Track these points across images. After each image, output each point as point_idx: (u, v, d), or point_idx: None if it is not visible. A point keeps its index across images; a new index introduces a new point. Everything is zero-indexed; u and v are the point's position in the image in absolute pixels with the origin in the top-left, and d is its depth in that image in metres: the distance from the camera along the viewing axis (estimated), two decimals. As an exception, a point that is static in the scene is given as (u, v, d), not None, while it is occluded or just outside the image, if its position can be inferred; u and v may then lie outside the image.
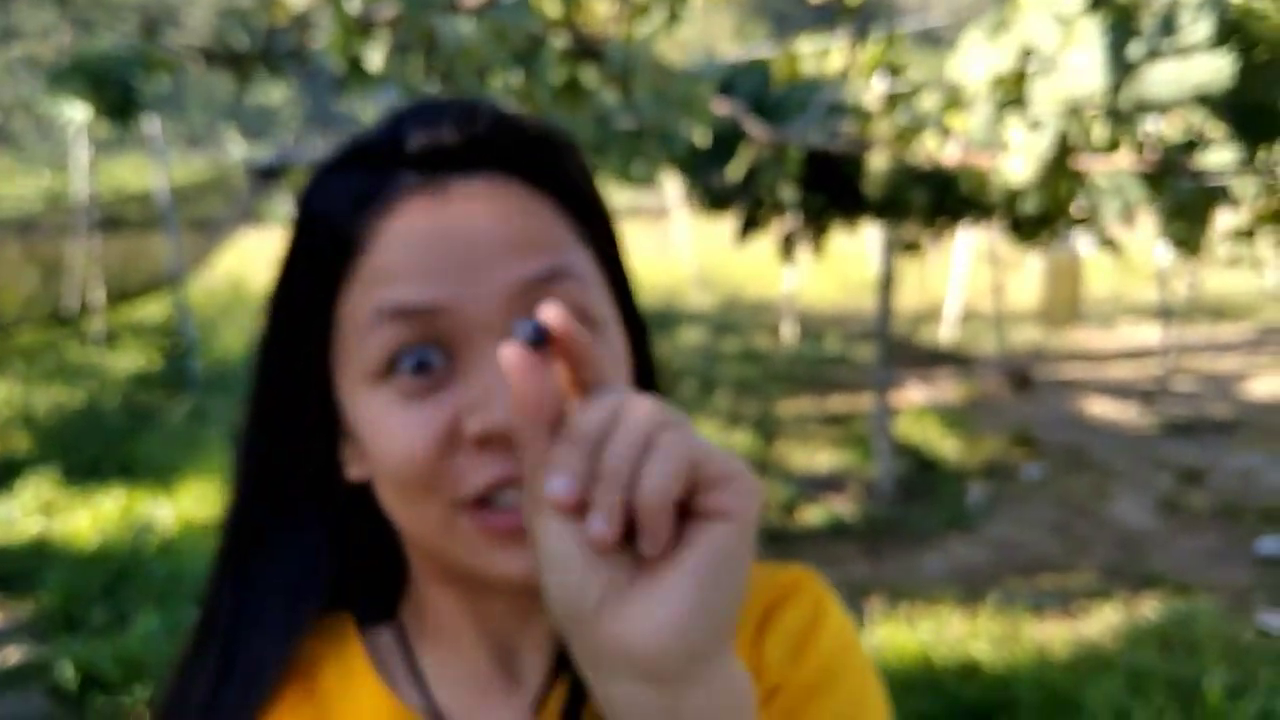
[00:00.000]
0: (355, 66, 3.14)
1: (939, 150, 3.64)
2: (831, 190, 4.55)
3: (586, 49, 3.18)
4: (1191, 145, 3.04)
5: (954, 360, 9.46)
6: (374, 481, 0.66)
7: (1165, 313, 8.67)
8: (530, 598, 0.57)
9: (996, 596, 4.27)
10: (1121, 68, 2.85)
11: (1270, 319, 11.23)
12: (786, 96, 4.26)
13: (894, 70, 4.04)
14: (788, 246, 5.31)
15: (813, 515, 5.36)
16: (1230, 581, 4.56)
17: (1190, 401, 7.81)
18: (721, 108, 3.84)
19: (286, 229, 0.67)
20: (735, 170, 4.20)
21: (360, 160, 0.65)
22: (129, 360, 9.04)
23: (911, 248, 5.50)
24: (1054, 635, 3.96)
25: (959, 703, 3.41)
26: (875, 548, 5.01)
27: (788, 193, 4.48)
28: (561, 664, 0.70)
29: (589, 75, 3.21)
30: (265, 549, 0.71)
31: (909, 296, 11.12)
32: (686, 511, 0.47)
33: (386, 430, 0.61)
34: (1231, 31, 2.77)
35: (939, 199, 4.34)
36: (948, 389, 8.27)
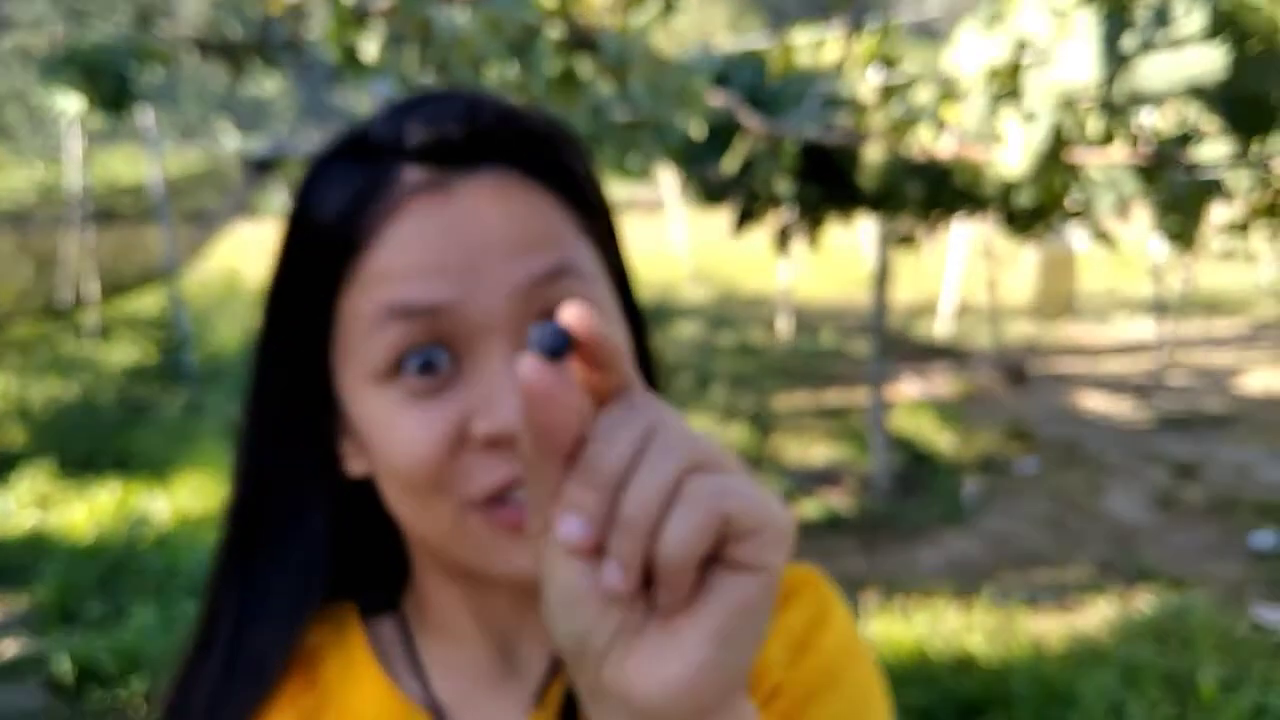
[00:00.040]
0: (350, 57, 3.14)
1: (934, 143, 3.64)
2: (827, 183, 4.55)
3: (582, 40, 3.17)
4: (1185, 138, 3.04)
5: (949, 354, 9.47)
6: (377, 478, 0.65)
7: (1159, 307, 8.68)
8: (532, 593, 0.55)
9: (991, 590, 4.27)
10: (1115, 60, 2.85)
11: (1264, 313, 11.24)
12: (782, 89, 4.25)
13: (889, 62, 4.03)
14: (783, 240, 5.31)
15: (808, 509, 5.36)
16: (1224, 575, 4.57)
17: (1185, 396, 7.83)
18: (717, 100, 3.83)
19: (283, 223, 0.66)
20: (731, 163, 4.20)
21: (359, 154, 0.64)
22: (124, 353, 9.02)
23: (906, 241, 5.50)
24: (1049, 629, 3.97)
25: (954, 696, 3.42)
26: (870, 541, 5.01)
27: (783, 185, 4.48)
28: (562, 658, 0.70)
29: (584, 66, 3.20)
30: (267, 542, 0.70)
31: (904, 291, 11.12)
32: (710, 556, 0.42)
33: (393, 431, 0.61)
34: (1225, 24, 2.77)
35: (934, 192, 4.34)
36: (943, 383, 8.28)
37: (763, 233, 5.40)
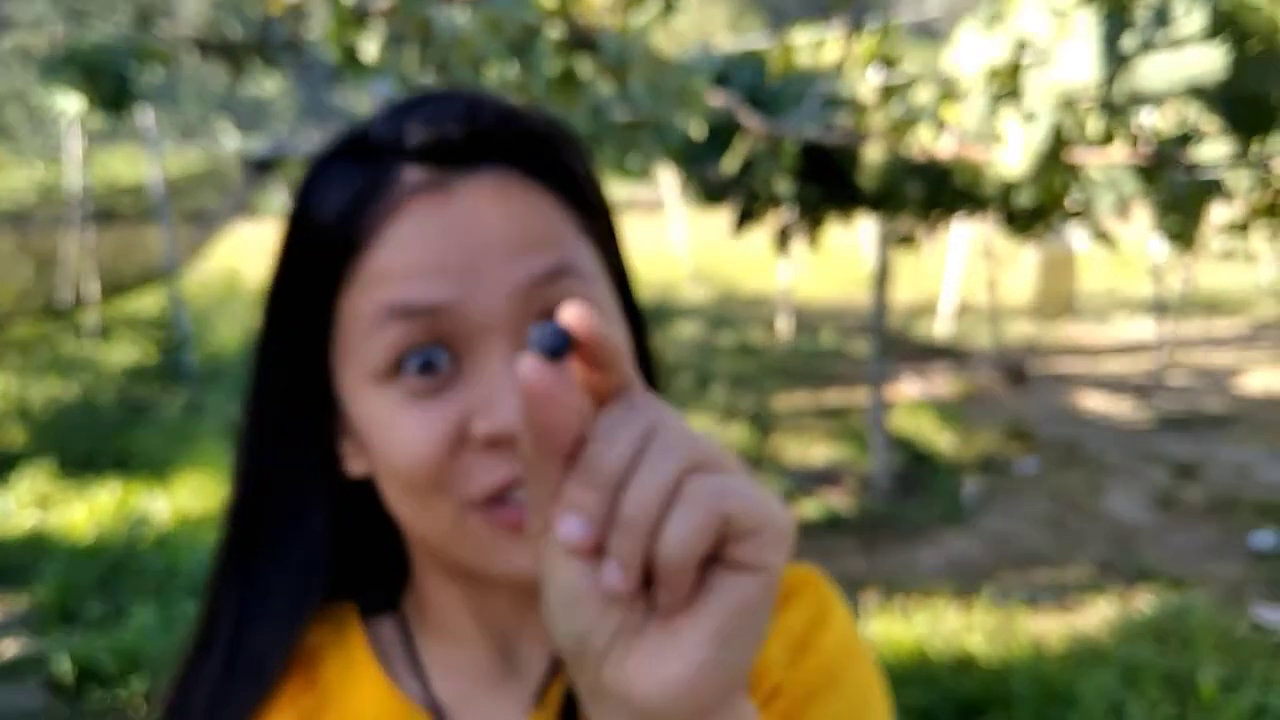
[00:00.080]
0: (350, 57, 3.14)
1: (934, 143, 3.64)
2: (827, 183, 4.55)
3: (582, 40, 3.17)
4: (1185, 138, 3.04)
5: (949, 354, 9.47)
6: (378, 478, 0.65)
7: (1160, 307, 8.68)
8: (532, 593, 0.55)
9: (991, 590, 4.27)
10: (1115, 60, 2.85)
11: (1265, 313, 11.24)
12: (782, 89, 4.25)
13: (889, 62, 4.03)
14: (783, 240, 5.31)
15: (808, 509, 5.36)
16: (1224, 575, 4.57)
17: (1185, 396, 7.83)
18: (717, 100, 3.83)
19: (283, 223, 0.66)
20: (731, 163, 4.20)
21: (359, 154, 0.64)
22: (124, 353, 9.02)
23: (906, 241, 5.50)
24: (1049, 629, 3.97)
25: (954, 696, 3.42)
26: (870, 541, 5.01)
27: (783, 185, 4.48)
28: (562, 658, 0.70)
29: (584, 66, 3.20)
30: (267, 542, 0.70)
31: (904, 291, 11.12)
32: (710, 556, 0.42)
33: (394, 431, 0.61)
34: (1225, 24, 2.77)
35: (934, 192, 4.34)
36: (943, 383, 8.28)
37: (763, 233, 5.40)
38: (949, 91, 3.51)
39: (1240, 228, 3.82)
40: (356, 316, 0.62)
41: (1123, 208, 3.39)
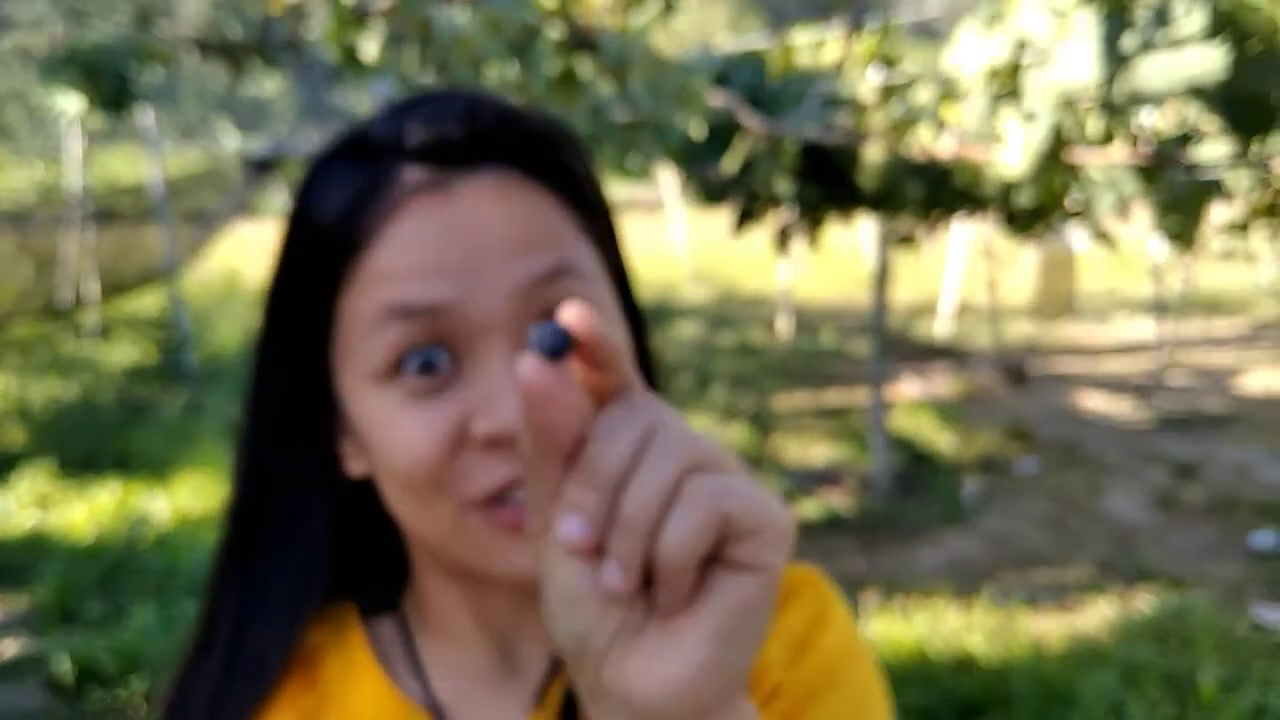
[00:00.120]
0: (350, 57, 3.14)
1: (934, 143, 3.64)
2: (827, 183, 4.55)
3: (582, 40, 3.17)
4: (1185, 138, 3.04)
5: (949, 354, 9.47)
6: (378, 478, 0.65)
7: (1160, 307, 8.68)
8: (532, 593, 0.54)
9: (991, 590, 4.27)
10: (1115, 60, 2.85)
11: (1265, 313, 11.24)
12: (782, 89, 4.25)
13: (889, 62, 4.03)
14: (783, 240, 5.31)
15: (808, 509, 5.36)
16: (1224, 575, 4.57)
17: (1185, 396, 7.83)
18: (717, 100, 3.83)
19: (283, 223, 0.66)
20: (731, 163, 4.20)
21: (360, 154, 0.64)
22: (124, 353, 9.02)
23: (906, 241, 5.50)
24: (1049, 629, 3.97)
25: (954, 696, 3.42)
26: (870, 541, 5.01)
27: (783, 185, 4.48)
28: (562, 658, 0.70)
29: (584, 66, 3.20)
30: (267, 542, 0.70)
31: (904, 291, 11.12)
32: (710, 556, 0.42)
33: (394, 431, 0.61)
34: (1225, 23, 2.77)
35: (934, 192, 4.34)
36: (943, 383, 8.28)
37: (763, 233, 5.40)
38: (949, 91, 3.51)
39: (1240, 228, 3.82)
40: (356, 316, 0.62)
41: (1123, 208, 3.39)
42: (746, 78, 4.33)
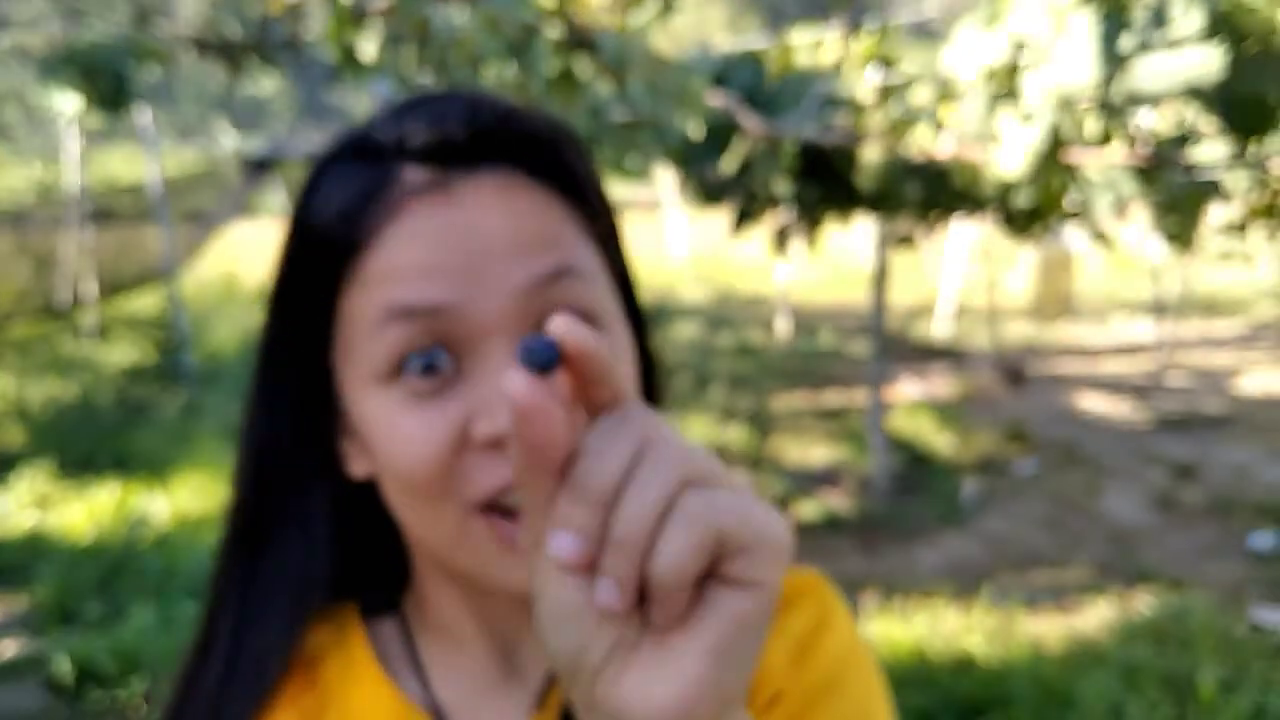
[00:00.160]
0: (349, 57, 3.13)
1: (932, 144, 3.64)
2: (825, 184, 4.55)
3: (580, 40, 3.17)
4: (1183, 139, 3.05)
5: (948, 355, 9.47)
6: (380, 481, 0.65)
7: (1158, 308, 8.68)
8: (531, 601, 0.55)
9: (990, 591, 4.27)
10: (1113, 60, 2.85)
11: (1263, 314, 11.25)
12: (781, 89, 4.25)
13: (887, 63, 4.03)
14: (781, 240, 5.31)
15: (807, 510, 5.36)
16: (1223, 576, 4.57)
17: (1183, 397, 7.83)
18: (715, 100, 3.83)
19: (285, 223, 0.66)
20: (729, 163, 4.20)
21: (361, 154, 0.64)
22: (122, 353, 9.02)
23: (905, 242, 5.50)
24: (1048, 630, 3.97)
25: (953, 697, 3.42)
26: (869, 542, 5.01)
27: (782, 186, 4.48)
28: None
29: (582, 66, 3.20)
30: (269, 543, 0.70)
31: (903, 292, 11.12)
32: (706, 571, 0.42)
33: (395, 433, 0.61)
34: (1222, 24, 2.78)
35: (932, 193, 4.34)
36: (941, 384, 8.28)
37: (761, 233, 5.40)
38: (947, 92, 3.52)
39: (1238, 228, 3.82)
40: (358, 317, 0.62)
41: (1121, 208, 3.39)
42: (745, 78, 4.33)
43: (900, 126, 3.77)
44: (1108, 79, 2.86)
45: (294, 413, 0.68)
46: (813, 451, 6.43)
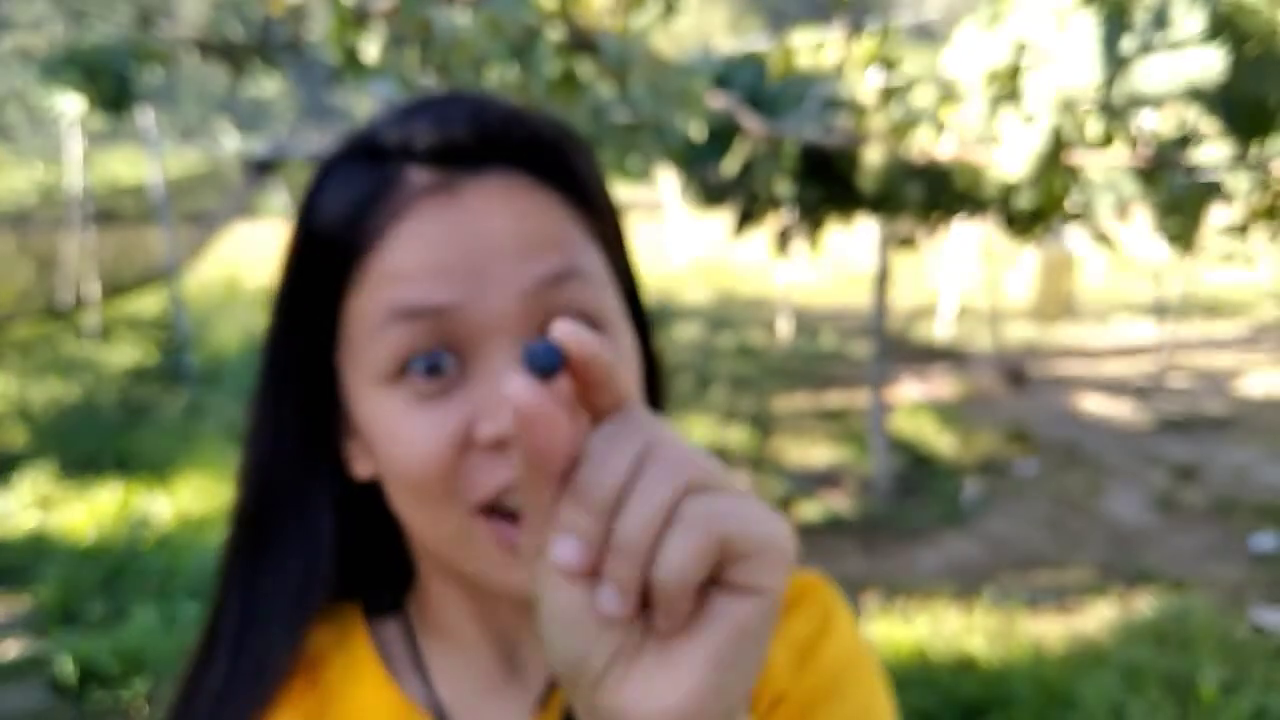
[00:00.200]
0: (351, 58, 3.14)
1: (934, 145, 3.64)
2: (827, 185, 4.55)
3: (582, 42, 3.18)
4: (1185, 140, 3.05)
5: (949, 356, 9.47)
6: (384, 482, 0.65)
7: (1160, 309, 8.68)
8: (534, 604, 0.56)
9: (992, 592, 4.27)
10: (1115, 62, 2.85)
11: (1264, 316, 11.25)
12: (782, 90, 4.25)
13: (889, 64, 4.03)
14: (783, 241, 5.31)
15: (809, 510, 5.36)
16: (1225, 577, 4.57)
17: (1185, 398, 7.83)
18: (717, 101, 3.83)
19: (290, 224, 0.66)
20: (731, 165, 4.20)
21: (366, 156, 0.64)
22: (124, 354, 9.02)
23: (906, 243, 5.50)
24: (1049, 631, 3.97)
25: (955, 698, 3.42)
26: (871, 543, 5.01)
27: (783, 187, 4.48)
28: None
29: (584, 68, 3.20)
30: (272, 543, 0.70)
31: (904, 293, 11.12)
32: (709, 578, 0.41)
33: (399, 434, 0.61)
34: (1224, 26, 2.78)
35: (934, 194, 4.33)
36: (943, 385, 8.28)
37: (763, 234, 5.40)
38: (948, 94, 3.52)
39: (1240, 229, 3.82)
40: (362, 318, 0.62)
41: (1122, 210, 3.40)
42: (747, 79, 4.33)
43: (901, 128, 3.77)
44: (1109, 80, 2.86)
45: (298, 414, 0.68)
46: (814, 452, 6.43)
